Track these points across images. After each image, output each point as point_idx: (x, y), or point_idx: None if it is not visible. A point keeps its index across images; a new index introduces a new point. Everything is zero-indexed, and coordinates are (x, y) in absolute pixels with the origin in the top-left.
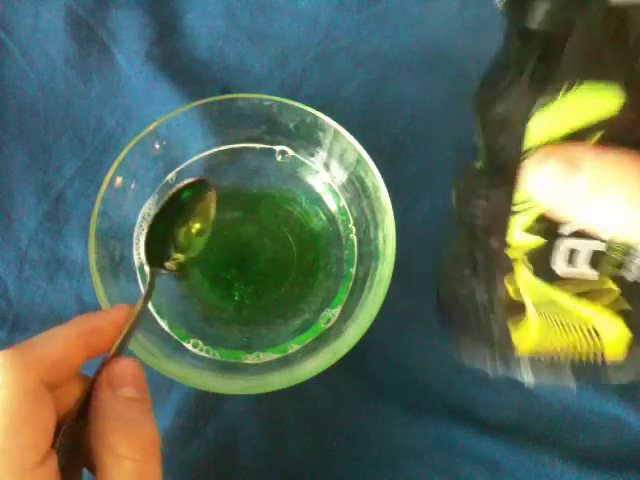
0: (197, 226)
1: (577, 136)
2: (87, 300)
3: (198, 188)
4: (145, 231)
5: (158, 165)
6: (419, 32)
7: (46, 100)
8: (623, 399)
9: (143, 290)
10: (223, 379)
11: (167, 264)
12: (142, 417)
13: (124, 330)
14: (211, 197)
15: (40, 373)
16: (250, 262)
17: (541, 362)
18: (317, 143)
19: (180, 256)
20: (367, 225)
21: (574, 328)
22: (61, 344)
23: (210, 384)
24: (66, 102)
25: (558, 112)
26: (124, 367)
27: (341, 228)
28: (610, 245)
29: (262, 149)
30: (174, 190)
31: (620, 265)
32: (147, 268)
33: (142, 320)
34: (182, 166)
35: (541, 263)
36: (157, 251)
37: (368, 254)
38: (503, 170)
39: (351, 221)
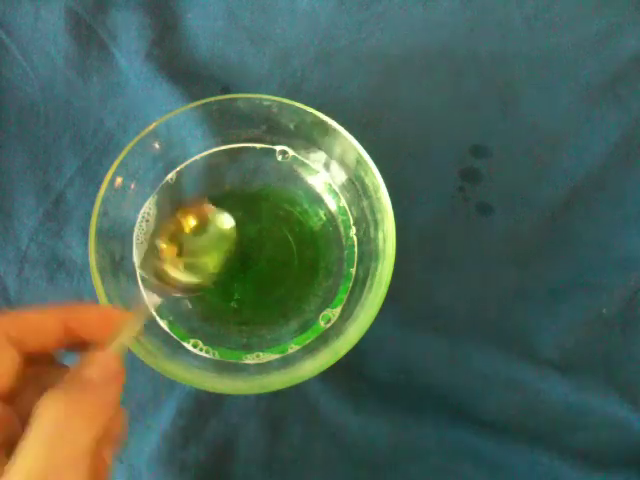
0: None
1: None
2: (87, 300)
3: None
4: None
5: (158, 165)
6: (419, 32)
7: (46, 100)
8: (623, 399)
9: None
10: (223, 379)
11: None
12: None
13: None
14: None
15: (5, 327)
16: (250, 262)
17: None
18: (317, 143)
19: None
20: (367, 225)
21: None
22: (34, 311)
23: (210, 384)
24: (66, 102)
25: None
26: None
27: (341, 228)
28: None
29: (262, 149)
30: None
31: None
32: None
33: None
34: (182, 166)
35: None
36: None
37: (368, 254)
38: None
39: (351, 221)
